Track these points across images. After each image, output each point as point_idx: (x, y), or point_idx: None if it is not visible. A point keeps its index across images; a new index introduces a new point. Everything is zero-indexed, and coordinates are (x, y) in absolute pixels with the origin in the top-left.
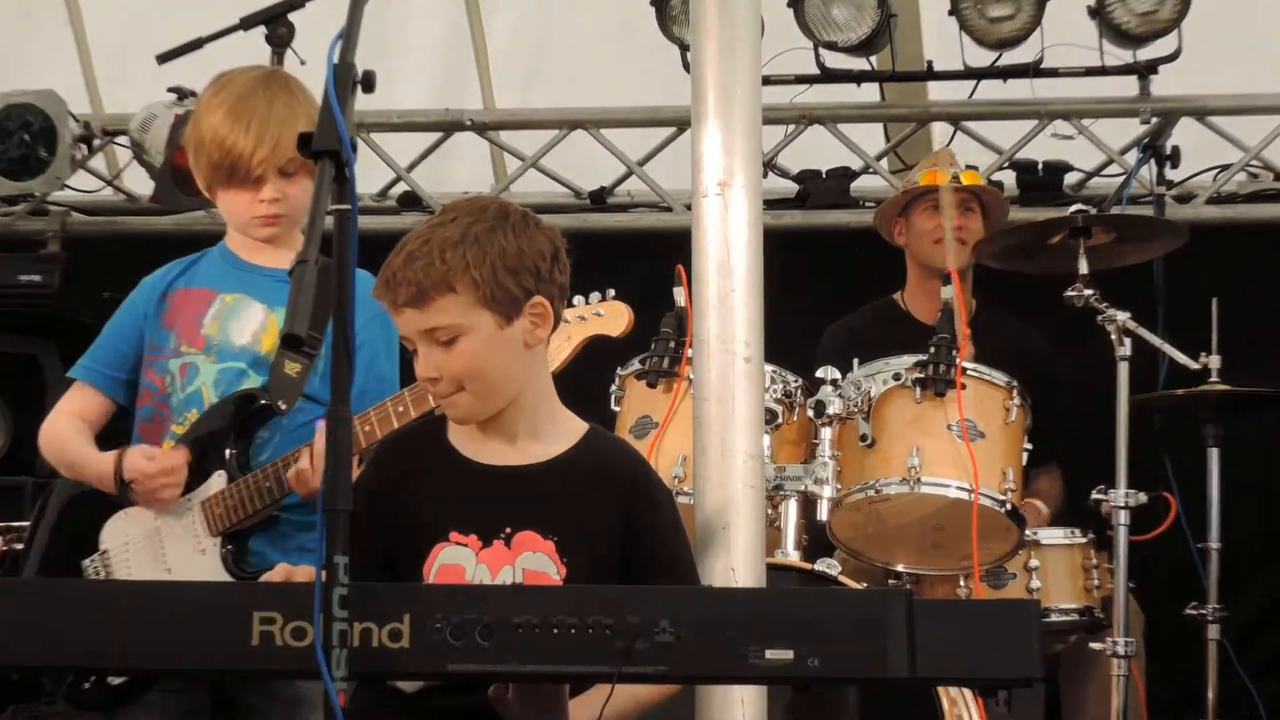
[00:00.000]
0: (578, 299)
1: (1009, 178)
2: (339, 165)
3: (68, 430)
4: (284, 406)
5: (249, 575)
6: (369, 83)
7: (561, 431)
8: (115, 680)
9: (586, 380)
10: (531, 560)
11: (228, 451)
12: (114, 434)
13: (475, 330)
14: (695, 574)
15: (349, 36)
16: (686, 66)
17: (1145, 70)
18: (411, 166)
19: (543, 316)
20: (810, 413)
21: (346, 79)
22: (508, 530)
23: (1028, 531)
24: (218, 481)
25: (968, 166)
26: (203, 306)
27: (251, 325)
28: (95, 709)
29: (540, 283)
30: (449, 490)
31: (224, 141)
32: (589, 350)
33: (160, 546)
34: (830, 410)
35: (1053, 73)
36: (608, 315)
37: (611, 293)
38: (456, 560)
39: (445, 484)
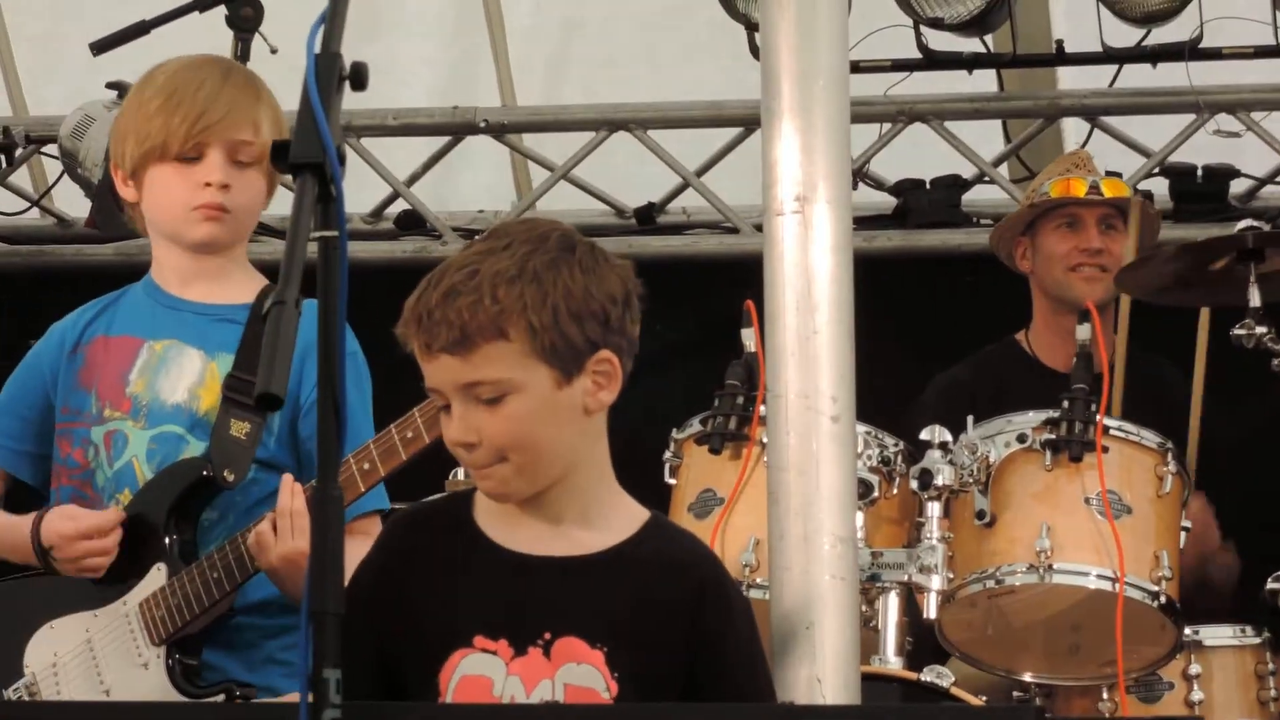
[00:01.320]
0: None
1: (1160, 186)
2: (323, 181)
3: None
4: (231, 478)
5: (202, 693)
6: (359, 78)
7: (617, 518)
8: None
9: (634, 445)
10: (576, 673)
11: (168, 539)
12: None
13: (528, 388)
14: (773, 690)
15: (334, 20)
16: (755, 51)
17: None
18: (412, 180)
19: (609, 376)
20: (914, 484)
21: (331, 73)
22: (547, 636)
23: (1187, 631)
24: (156, 577)
25: (1108, 173)
26: (127, 359)
27: (187, 378)
28: None
29: (609, 333)
30: (474, 584)
31: (155, 112)
32: (638, 409)
33: (94, 662)
34: (939, 481)
35: (1215, 54)
36: None
37: None
38: (482, 671)
39: (469, 576)
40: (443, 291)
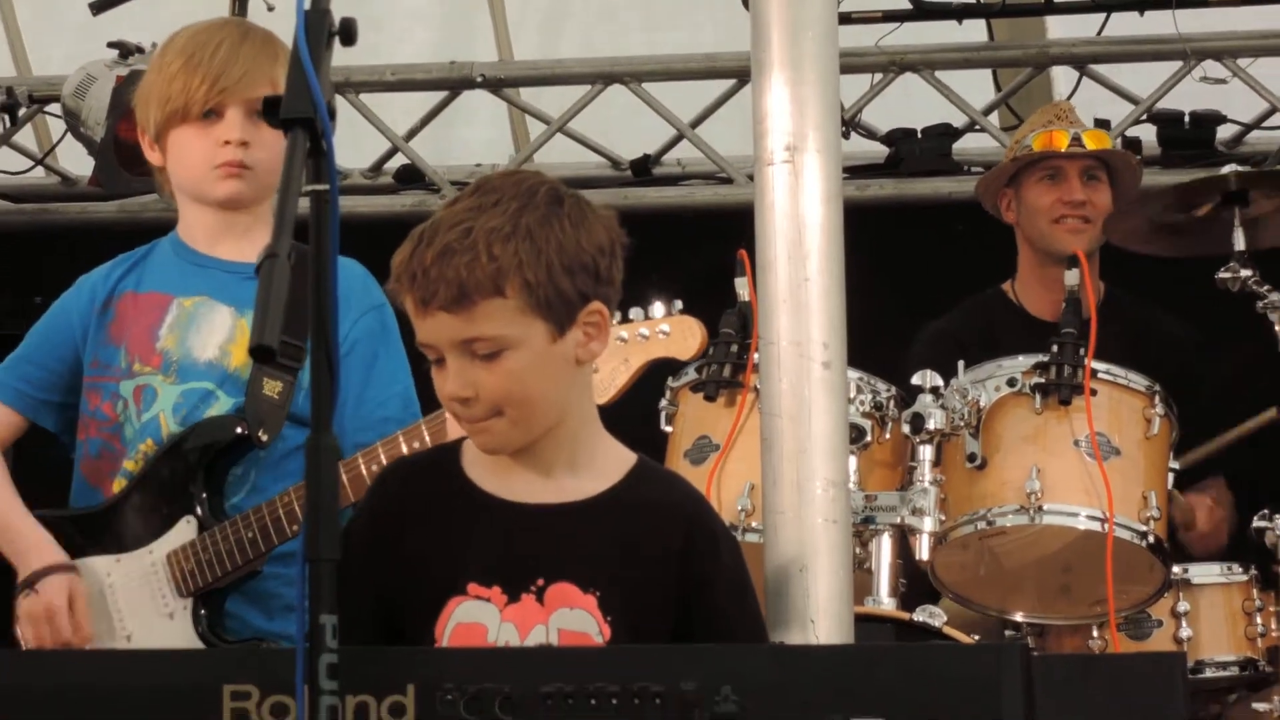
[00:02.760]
0: (634, 311)
1: (1148, 133)
2: (314, 135)
3: None
4: (265, 437)
5: (227, 644)
6: (349, 33)
7: (605, 464)
8: None
9: (631, 394)
10: (569, 618)
11: (196, 494)
12: (48, 465)
13: (524, 343)
14: (764, 631)
15: None
16: (747, 3)
17: None
18: (411, 134)
19: (598, 326)
20: (906, 428)
21: (320, 29)
22: (540, 582)
23: (1176, 569)
24: (185, 530)
25: (1097, 121)
26: (156, 315)
27: (217, 335)
28: None
29: (599, 284)
30: (467, 533)
31: (177, 73)
32: None
33: (116, 609)
34: (930, 425)
35: (1201, 2)
36: (674, 333)
37: (678, 304)
38: (477, 618)
39: (462, 525)
40: (438, 250)
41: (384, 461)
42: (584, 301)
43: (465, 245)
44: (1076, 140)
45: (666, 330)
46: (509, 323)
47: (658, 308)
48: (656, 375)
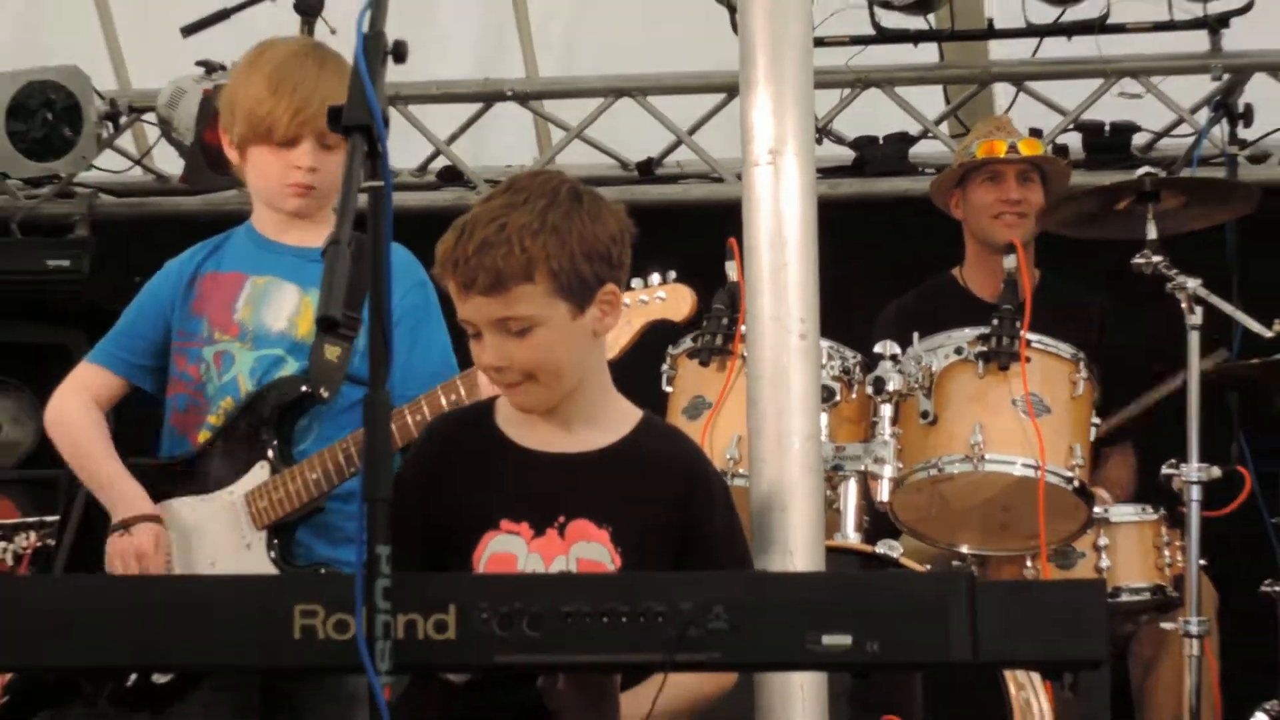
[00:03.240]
0: (635, 280)
1: (1074, 140)
2: (371, 140)
3: (87, 426)
4: (326, 394)
5: (297, 569)
6: (400, 53)
7: (616, 419)
8: (161, 678)
9: (636, 359)
10: (586, 550)
11: (269, 441)
12: (144, 422)
13: (551, 321)
14: (750, 560)
15: (378, 4)
16: (736, 29)
17: (1216, 24)
18: (452, 139)
19: (612, 304)
20: (869, 390)
21: (377, 49)
22: (561, 520)
23: (1097, 509)
24: (259, 473)
25: (1031, 131)
26: (234, 291)
27: (286, 309)
28: (141, 709)
29: (612, 269)
30: (499, 477)
31: (264, 98)
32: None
33: (201, 541)
34: (890, 387)
35: (1119, 28)
36: (670, 299)
37: (673, 274)
38: (508, 550)
39: (495, 471)
40: (477, 243)
41: (426, 412)
42: (600, 284)
43: (500, 239)
44: (1013, 148)
45: (663, 296)
46: (538, 304)
47: (654, 277)
48: (659, 345)
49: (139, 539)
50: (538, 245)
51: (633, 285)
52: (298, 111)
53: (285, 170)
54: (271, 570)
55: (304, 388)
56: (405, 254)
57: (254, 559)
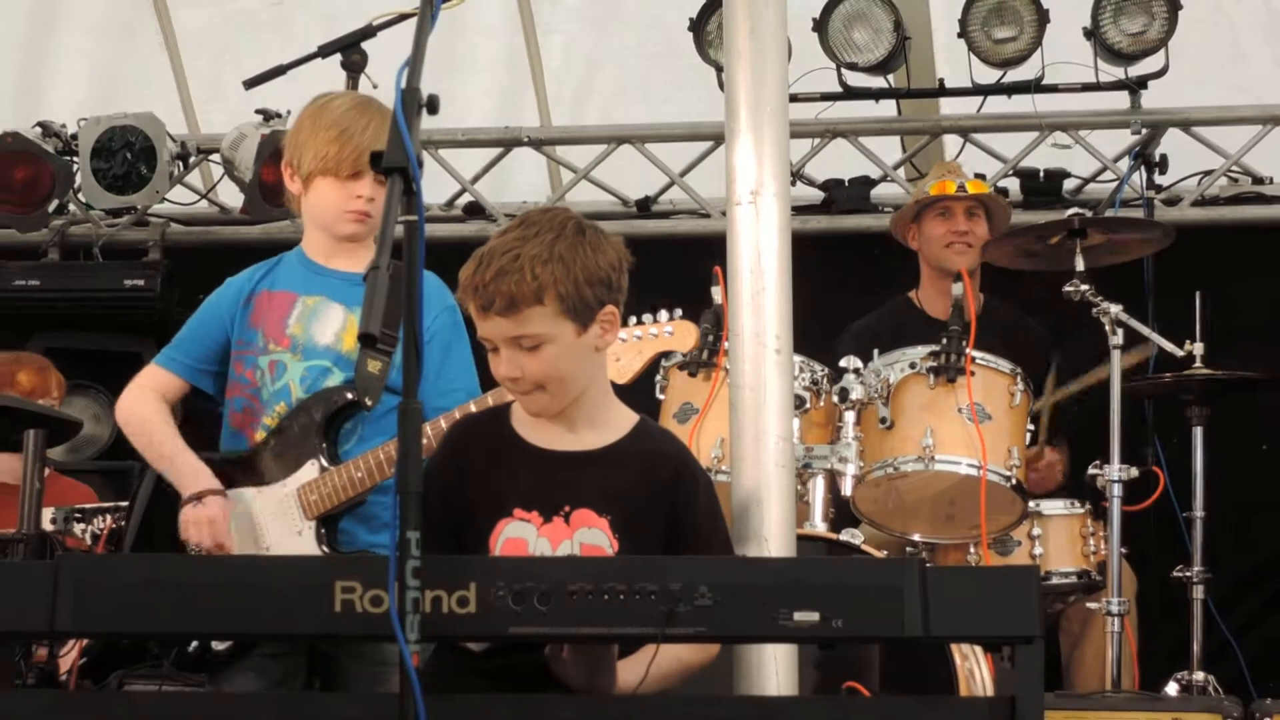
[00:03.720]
0: (647, 316)
1: (1013, 184)
2: (407, 180)
3: (156, 418)
4: (369, 402)
5: (341, 553)
6: (433, 105)
7: (615, 421)
8: (219, 646)
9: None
10: (588, 535)
11: (318, 443)
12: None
13: (558, 339)
14: (731, 546)
15: (414, 64)
16: (721, 86)
17: (1136, 85)
18: (475, 179)
19: (611, 323)
20: (835, 398)
21: (413, 102)
22: (567, 509)
23: (1031, 504)
24: (310, 470)
25: (977, 174)
26: (286, 308)
27: (333, 326)
28: (201, 671)
29: (611, 292)
30: (514, 472)
31: (334, 143)
32: None
33: (258, 527)
34: (853, 396)
35: (1052, 89)
36: (677, 333)
37: (679, 312)
38: (520, 535)
39: (510, 466)
40: (494, 271)
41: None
42: (601, 306)
43: (514, 267)
44: (962, 187)
45: (671, 330)
46: (547, 324)
47: (664, 314)
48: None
49: (210, 509)
50: (547, 273)
51: (644, 320)
52: (363, 154)
53: (347, 199)
54: (318, 554)
55: (349, 396)
56: (436, 280)
57: (304, 544)
